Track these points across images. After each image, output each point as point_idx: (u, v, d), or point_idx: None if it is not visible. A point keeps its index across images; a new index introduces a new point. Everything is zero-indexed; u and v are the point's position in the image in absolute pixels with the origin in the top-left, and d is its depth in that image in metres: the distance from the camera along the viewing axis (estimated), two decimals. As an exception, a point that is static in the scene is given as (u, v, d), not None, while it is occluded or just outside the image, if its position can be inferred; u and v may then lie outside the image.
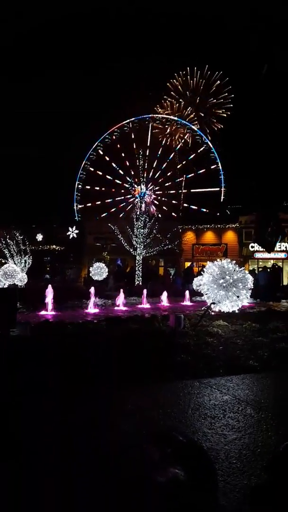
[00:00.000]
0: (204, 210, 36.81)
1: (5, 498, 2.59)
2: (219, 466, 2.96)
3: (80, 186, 43.40)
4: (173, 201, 41.38)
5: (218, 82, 45.50)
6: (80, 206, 43.30)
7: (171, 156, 43.26)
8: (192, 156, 42.55)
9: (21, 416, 3.94)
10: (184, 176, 41.34)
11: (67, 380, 4.73)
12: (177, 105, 45.89)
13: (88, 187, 43.41)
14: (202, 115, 44.23)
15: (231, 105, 45.54)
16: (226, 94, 45.41)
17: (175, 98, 46.34)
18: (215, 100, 45.53)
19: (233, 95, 45.29)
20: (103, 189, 43.40)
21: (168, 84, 46.83)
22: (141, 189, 39.26)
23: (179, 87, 46.75)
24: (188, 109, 44.34)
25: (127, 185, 42.19)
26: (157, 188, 42.77)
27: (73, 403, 4.32)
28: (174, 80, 46.97)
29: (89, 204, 43.27)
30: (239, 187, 39.20)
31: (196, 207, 37.57)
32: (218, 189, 39.92)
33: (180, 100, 45.95)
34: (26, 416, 3.93)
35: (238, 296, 8.26)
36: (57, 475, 2.86)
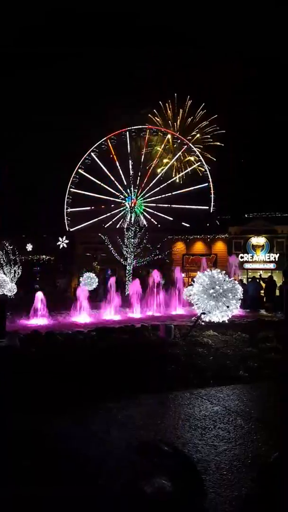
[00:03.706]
0: (187, 225, 36.92)
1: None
2: (209, 478, 2.95)
3: (72, 189, 43.38)
4: (162, 214, 41.58)
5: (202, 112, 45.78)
6: (71, 210, 43.17)
7: (165, 169, 43.67)
8: (184, 173, 43.06)
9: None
10: (179, 187, 41.73)
11: (54, 393, 4.67)
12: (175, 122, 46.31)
13: (80, 191, 43.42)
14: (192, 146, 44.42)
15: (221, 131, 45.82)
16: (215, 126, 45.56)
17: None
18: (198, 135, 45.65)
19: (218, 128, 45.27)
20: (95, 195, 43.47)
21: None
22: (131, 199, 39.50)
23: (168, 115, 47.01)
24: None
25: (118, 194, 42.42)
26: (148, 200, 43.04)
27: (61, 415, 4.26)
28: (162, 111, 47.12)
29: (79, 209, 43.16)
30: (229, 199, 39.71)
31: (186, 224, 37.68)
32: (207, 207, 40.34)
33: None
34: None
35: (228, 306, 8.30)
36: (43, 484, 2.81)
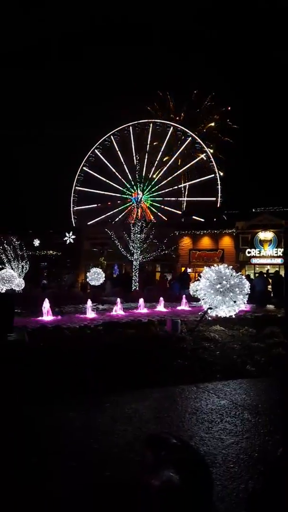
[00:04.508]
0: (201, 220, 36.89)
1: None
2: (216, 471, 2.97)
3: (77, 187, 43.44)
4: (170, 208, 41.45)
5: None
6: (77, 208, 43.29)
7: (170, 162, 43.44)
8: (190, 164, 42.79)
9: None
10: (186, 180, 41.58)
11: (61, 386, 4.73)
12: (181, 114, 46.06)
13: (86, 189, 43.47)
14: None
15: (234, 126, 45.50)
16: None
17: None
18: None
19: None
20: (100, 192, 43.50)
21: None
22: (138, 193, 39.43)
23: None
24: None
25: (124, 189, 42.37)
26: (154, 194, 42.93)
27: (68, 408, 4.31)
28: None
29: (86, 207, 43.29)
30: (237, 193, 39.53)
31: (195, 217, 37.68)
32: (214, 199, 40.13)
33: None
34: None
35: (234, 301, 8.29)
36: (53, 476, 2.86)
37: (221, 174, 40.21)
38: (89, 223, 40.15)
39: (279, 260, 29.41)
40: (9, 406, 4.23)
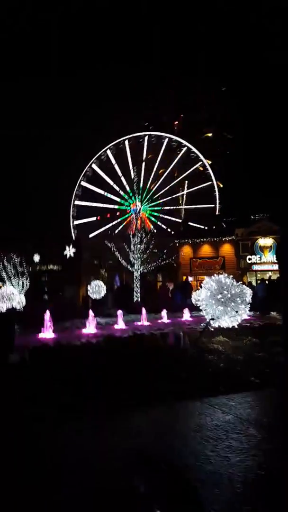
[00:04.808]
0: (201, 226, 37.02)
1: None
2: (222, 492, 2.90)
3: (76, 202, 43.73)
4: (168, 217, 41.64)
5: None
6: (77, 222, 43.51)
7: (166, 172, 43.76)
8: (187, 173, 43.11)
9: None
10: (184, 189, 41.82)
11: (61, 403, 4.67)
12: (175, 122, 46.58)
13: (84, 203, 43.77)
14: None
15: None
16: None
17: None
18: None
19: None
20: (99, 205, 43.77)
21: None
22: (136, 204, 39.63)
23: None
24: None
25: (122, 201, 42.60)
26: (152, 204, 43.16)
27: (66, 425, 4.24)
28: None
29: (85, 220, 43.52)
30: (235, 200, 39.71)
31: (194, 224, 37.81)
32: (213, 205, 40.32)
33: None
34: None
35: (237, 311, 8.23)
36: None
37: (221, 185, 40.44)
38: (90, 235, 40.27)
39: (280, 266, 29.29)
40: (7, 426, 4.17)
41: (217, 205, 40.05)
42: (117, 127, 44.33)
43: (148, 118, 47.38)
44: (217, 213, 39.74)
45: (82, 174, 43.88)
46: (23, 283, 22.21)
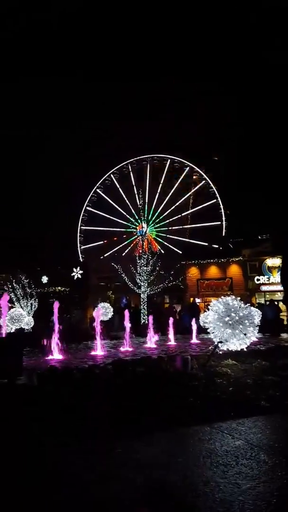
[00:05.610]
0: (207, 244, 37.16)
1: None
2: (233, 520, 2.86)
3: (83, 227, 44.30)
4: (175, 237, 41.84)
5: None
6: (84, 247, 43.94)
7: (171, 192, 44.30)
8: (191, 192, 43.59)
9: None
10: (189, 208, 42.20)
11: (68, 430, 4.65)
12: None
13: (91, 228, 44.28)
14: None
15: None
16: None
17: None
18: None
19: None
20: (105, 229, 44.25)
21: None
22: (142, 227, 39.99)
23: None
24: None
25: (128, 224, 43.03)
26: (158, 225, 43.51)
27: (76, 452, 4.21)
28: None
29: (92, 245, 43.93)
30: (242, 219, 39.79)
31: (201, 242, 37.97)
32: (219, 223, 40.50)
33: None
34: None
35: (245, 334, 8.18)
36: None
37: (227, 214, 40.66)
38: (102, 257, 40.48)
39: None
40: (15, 448, 4.16)
41: (224, 222, 40.20)
42: (121, 149, 45.23)
43: (150, 138, 48.27)
44: (223, 230, 39.86)
45: (87, 200, 44.69)
46: (31, 304, 22.31)
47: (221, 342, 8.32)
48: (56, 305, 11.43)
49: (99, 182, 44.92)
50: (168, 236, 42.43)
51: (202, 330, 14.61)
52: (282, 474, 3.66)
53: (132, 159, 44.78)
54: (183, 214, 42.77)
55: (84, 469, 3.75)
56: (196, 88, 48.51)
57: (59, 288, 35.13)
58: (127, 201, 44.07)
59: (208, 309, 9.59)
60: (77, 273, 36.01)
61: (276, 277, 29.58)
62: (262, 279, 29.97)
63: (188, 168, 43.41)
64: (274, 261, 29.82)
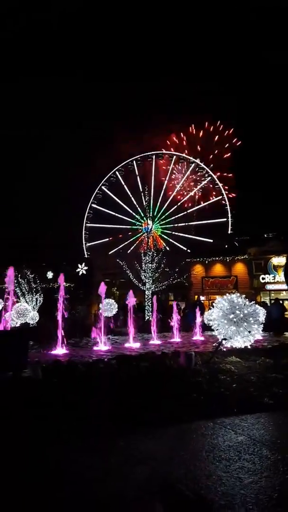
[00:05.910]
0: (212, 241, 37.11)
1: None
2: (235, 513, 2.88)
3: (88, 224, 44.36)
4: (181, 234, 41.76)
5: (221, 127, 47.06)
6: (89, 244, 44.01)
7: (176, 189, 44.22)
8: (196, 189, 43.49)
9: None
10: (194, 204, 42.12)
11: (73, 424, 4.68)
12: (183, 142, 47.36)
13: (96, 225, 44.33)
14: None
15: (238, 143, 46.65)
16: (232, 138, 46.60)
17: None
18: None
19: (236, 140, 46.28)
20: (110, 226, 44.27)
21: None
22: (147, 223, 39.95)
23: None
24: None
25: (133, 221, 43.00)
26: (163, 222, 43.45)
27: (80, 447, 4.25)
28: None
29: (98, 242, 43.99)
30: (248, 217, 39.70)
31: (206, 239, 37.94)
32: (225, 219, 40.36)
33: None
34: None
35: (249, 331, 8.18)
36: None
37: (230, 210, 40.54)
38: (110, 253, 40.53)
39: (294, 286, 28.91)
40: (20, 444, 4.21)
41: (229, 219, 40.04)
42: (127, 149, 45.20)
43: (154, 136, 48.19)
44: (229, 227, 39.73)
45: (93, 197, 44.70)
46: (36, 299, 22.45)
47: (225, 339, 8.32)
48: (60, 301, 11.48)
49: (104, 179, 44.92)
50: (173, 233, 42.35)
51: (206, 327, 14.61)
52: (284, 469, 3.67)
53: (137, 156, 44.72)
54: (188, 211, 42.66)
55: (86, 467, 3.76)
56: (196, 88, 48.30)
57: (64, 283, 35.23)
58: (132, 198, 44.04)
59: (213, 307, 9.59)
60: (82, 269, 36.12)
61: (281, 276, 29.41)
62: (268, 277, 29.85)
63: (193, 164, 43.27)
64: (279, 260, 29.66)
